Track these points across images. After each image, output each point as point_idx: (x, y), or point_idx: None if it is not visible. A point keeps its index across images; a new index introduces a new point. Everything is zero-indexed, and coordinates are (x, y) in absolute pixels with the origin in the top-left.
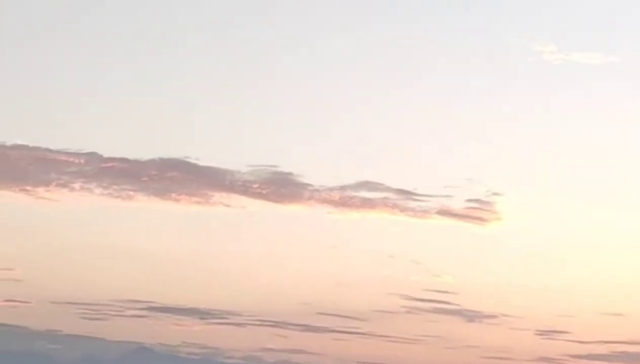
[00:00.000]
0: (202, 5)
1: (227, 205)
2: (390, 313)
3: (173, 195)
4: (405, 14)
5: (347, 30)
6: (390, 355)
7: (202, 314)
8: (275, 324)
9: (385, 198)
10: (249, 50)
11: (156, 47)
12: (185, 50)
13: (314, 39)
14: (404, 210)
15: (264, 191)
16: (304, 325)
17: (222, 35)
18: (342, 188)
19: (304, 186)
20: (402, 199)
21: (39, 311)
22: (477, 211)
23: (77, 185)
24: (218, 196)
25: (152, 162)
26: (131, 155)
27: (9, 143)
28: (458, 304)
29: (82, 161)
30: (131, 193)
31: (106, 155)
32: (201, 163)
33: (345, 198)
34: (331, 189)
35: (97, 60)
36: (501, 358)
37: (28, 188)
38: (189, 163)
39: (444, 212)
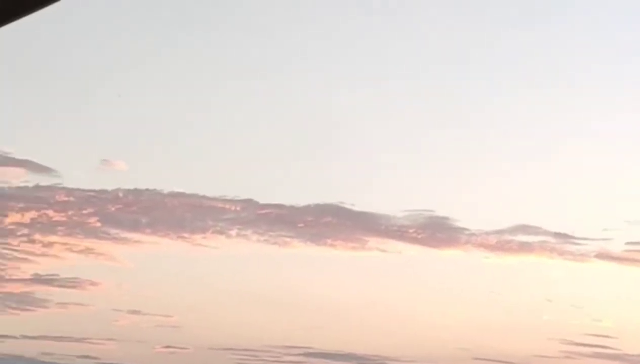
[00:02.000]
0: (354, 62)
1: (383, 250)
2: (549, 357)
3: (329, 240)
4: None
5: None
6: None
7: (359, 359)
8: None
9: (543, 242)
10: (405, 98)
11: (306, 94)
12: (335, 98)
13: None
14: (562, 253)
15: (419, 236)
16: None
17: (375, 80)
18: (499, 232)
19: (460, 230)
20: (560, 243)
21: (198, 358)
22: (637, 255)
23: (233, 232)
24: (374, 241)
25: (307, 208)
26: (287, 201)
27: (166, 190)
28: (619, 349)
29: (238, 208)
30: (287, 239)
31: (262, 201)
32: (356, 208)
33: (502, 242)
34: (488, 233)
35: (255, 109)
36: None
37: (185, 235)
38: (344, 209)
39: (604, 255)
